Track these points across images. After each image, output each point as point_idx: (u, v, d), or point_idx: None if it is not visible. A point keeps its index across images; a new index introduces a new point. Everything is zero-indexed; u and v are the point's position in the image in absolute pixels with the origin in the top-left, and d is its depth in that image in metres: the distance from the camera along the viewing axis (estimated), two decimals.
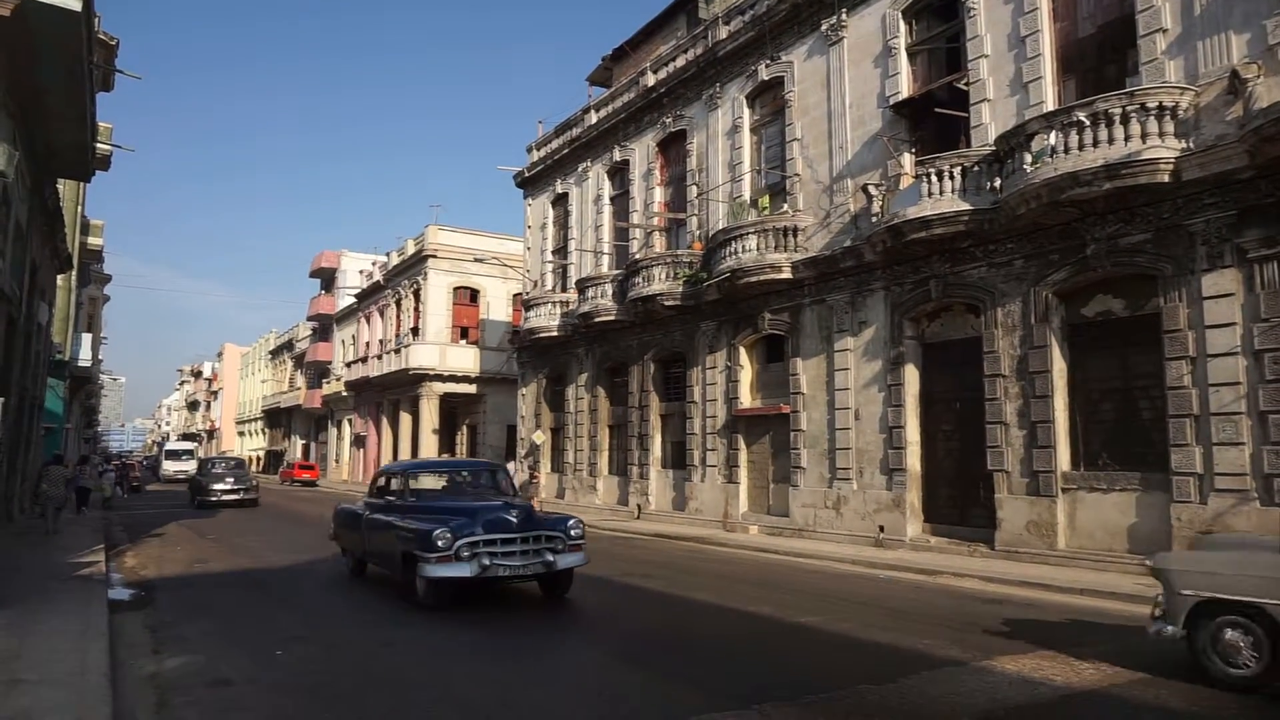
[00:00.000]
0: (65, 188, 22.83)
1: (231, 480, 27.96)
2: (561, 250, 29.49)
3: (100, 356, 45.10)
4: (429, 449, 39.47)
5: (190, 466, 47.80)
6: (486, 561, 9.25)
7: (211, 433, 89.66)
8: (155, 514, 24.65)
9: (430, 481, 12.35)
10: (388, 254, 46.73)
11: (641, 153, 25.01)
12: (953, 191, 14.51)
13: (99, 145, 17.79)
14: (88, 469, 29.16)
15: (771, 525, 18.82)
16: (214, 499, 26.88)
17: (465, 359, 40.01)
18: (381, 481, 12.30)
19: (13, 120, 12.37)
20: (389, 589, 11.26)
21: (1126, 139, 11.90)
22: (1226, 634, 6.40)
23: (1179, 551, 9.38)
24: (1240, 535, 9.99)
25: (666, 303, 21.59)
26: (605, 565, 13.73)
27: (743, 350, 20.44)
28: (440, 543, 9.18)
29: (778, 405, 19.21)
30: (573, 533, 10.01)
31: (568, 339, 27.00)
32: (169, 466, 53.73)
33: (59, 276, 25.57)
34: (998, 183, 13.85)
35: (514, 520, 9.73)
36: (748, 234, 18.82)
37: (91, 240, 33.51)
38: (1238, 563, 6.66)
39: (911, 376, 16.31)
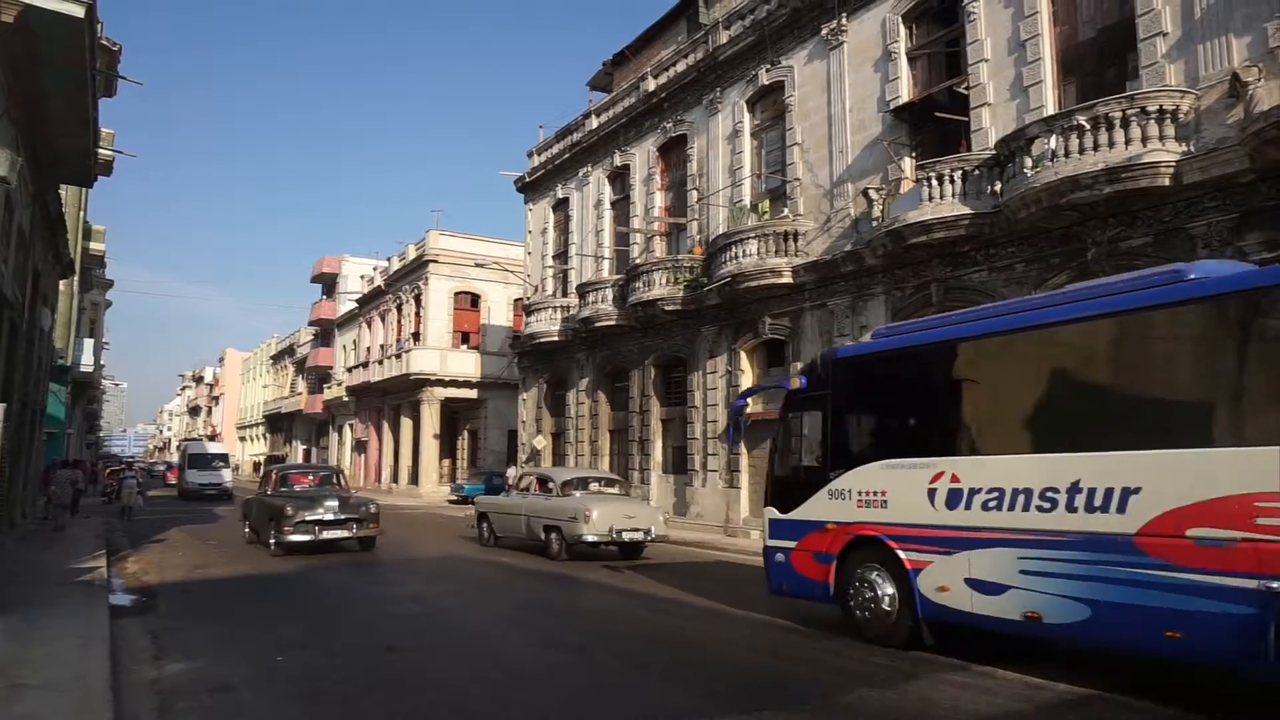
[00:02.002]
0: (68, 193, 22.88)
1: (334, 505, 15.67)
2: (562, 255, 29.51)
3: (102, 361, 45.20)
4: (430, 454, 39.48)
5: (224, 478, 37.02)
6: None
7: (213, 437, 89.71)
8: (157, 521, 24.59)
9: None
10: (389, 259, 46.81)
11: (642, 157, 25.04)
12: (953, 195, 14.52)
13: (101, 151, 17.81)
14: (76, 475, 29.15)
15: None
16: (308, 538, 15.25)
17: (466, 364, 40.02)
18: None
19: (15, 126, 12.41)
20: (390, 592, 11.26)
21: (1127, 142, 11.91)
22: (483, 524, 17.81)
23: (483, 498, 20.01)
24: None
25: (667, 307, 21.60)
26: (605, 570, 13.72)
27: (743, 355, 20.44)
28: None
29: (779, 410, 19.16)
30: None
31: (568, 344, 27.01)
32: (194, 478, 36.75)
33: (61, 282, 25.62)
34: (998, 187, 13.85)
35: None
36: (748, 238, 18.83)
37: (93, 245, 33.62)
38: (484, 500, 19.12)
39: None
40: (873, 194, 16.56)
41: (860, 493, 8.60)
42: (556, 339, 27.22)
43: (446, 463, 41.13)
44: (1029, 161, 12.85)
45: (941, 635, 7.93)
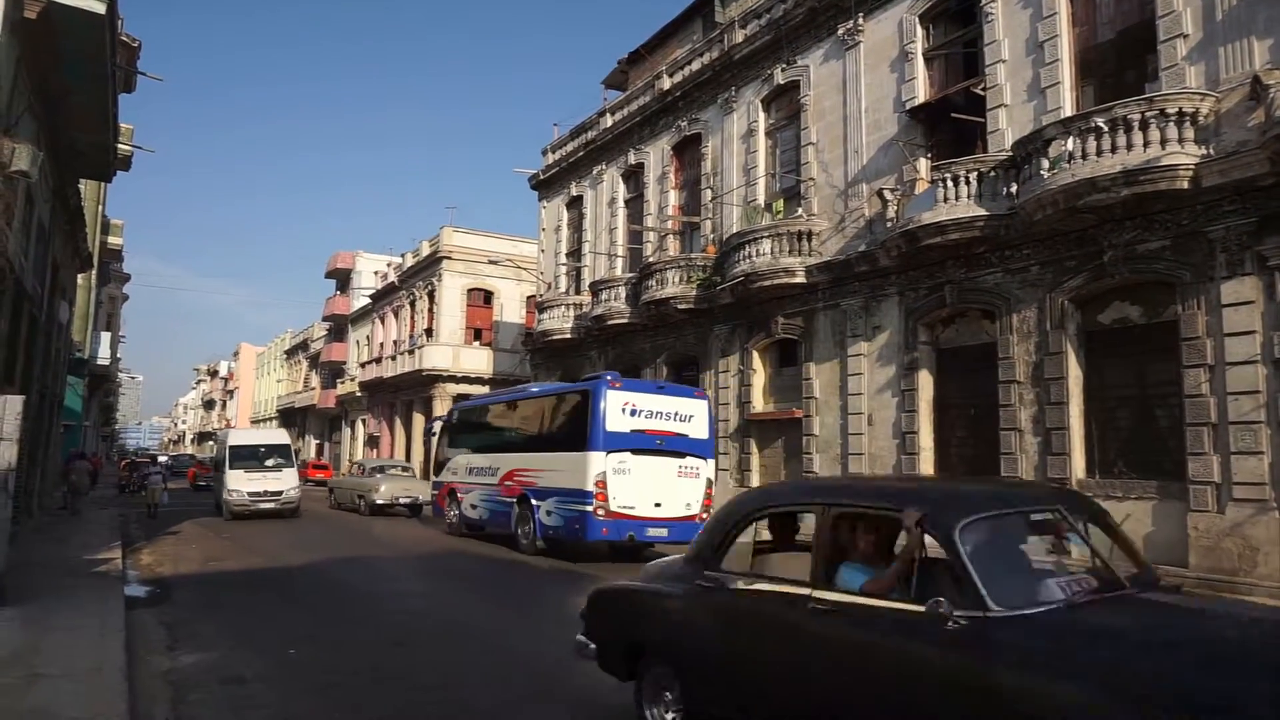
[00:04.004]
0: (86, 187, 23.09)
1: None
2: (575, 253, 29.53)
3: (119, 355, 45.63)
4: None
5: (285, 484, 23.21)
6: None
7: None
8: (172, 515, 24.72)
9: None
10: (402, 255, 46.93)
11: (656, 156, 25.03)
12: (969, 197, 14.44)
13: (120, 146, 17.95)
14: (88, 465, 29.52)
15: None
16: None
17: (478, 360, 40.13)
18: None
19: (37, 121, 12.54)
20: (400, 587, 11.33)
21: (1145, 145, 11.81)
22: (332, 494, 30.03)
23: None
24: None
25: (680, 306, 21.59)
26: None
27: (755, 354, 20.41)
28: None
29: (790, 409, 19.16)
30: None
31: (581, 341, 27.04)
32: (240, 485, 22.66)
33: (79, 275, 25.88)
34: (1014, 188, 13.77)
35: None
36: (762, 238, 18.80)
37: (111, 240, 33.96)
38: (334, 480, 33.60)
39: (925, 382, 16.24)
40: (887, 194, 16.49)
41: (453, 468, 19.66)
42: (569, 336, 27.25)
43: None
44: (1046, 163, 12.76)
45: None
